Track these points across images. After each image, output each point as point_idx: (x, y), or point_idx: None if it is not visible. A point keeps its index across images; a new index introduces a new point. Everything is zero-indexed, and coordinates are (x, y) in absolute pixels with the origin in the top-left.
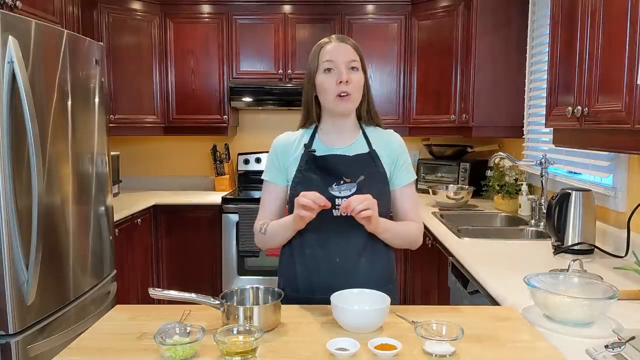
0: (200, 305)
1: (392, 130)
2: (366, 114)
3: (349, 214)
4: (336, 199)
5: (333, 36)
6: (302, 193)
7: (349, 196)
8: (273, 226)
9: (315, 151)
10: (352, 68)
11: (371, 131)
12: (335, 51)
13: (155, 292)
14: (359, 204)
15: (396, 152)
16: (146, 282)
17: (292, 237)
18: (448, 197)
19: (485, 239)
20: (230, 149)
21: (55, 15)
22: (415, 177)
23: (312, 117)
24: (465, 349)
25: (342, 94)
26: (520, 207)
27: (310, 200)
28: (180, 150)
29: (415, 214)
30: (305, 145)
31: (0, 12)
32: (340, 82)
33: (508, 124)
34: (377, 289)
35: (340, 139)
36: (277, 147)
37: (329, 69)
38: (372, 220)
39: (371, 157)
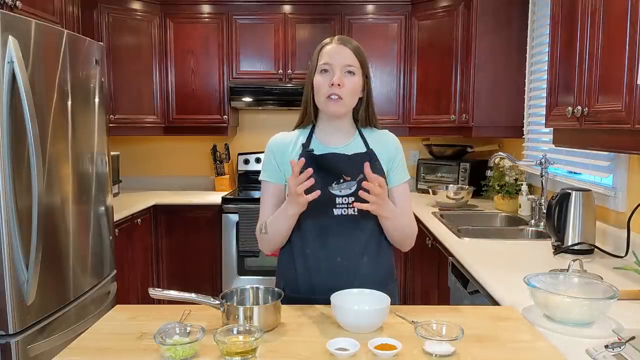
0: (200, 305)
1: (387, 131)
2: (364, 117)
3: (353, 209)
4: (337, 198)
5: (336, 37)
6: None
7: (349, 195)
8: (272, 221)
9: (313, 150)
10: (349, 72)
11: (367, 132)
12: (333, 54)
13: (155, 292)
14: (369, 202)
15: (393, 152)
16: (146, 282)
17: (293, 237)
18: (448, 197)
19: (485, 239)
20: (230, 149)
21: (55, 15)
22: (409, 177)
23: (310, 116)
24: (465, 349)
25: (331, 96)
26: (520, 207)
27: (295, 184)
28: (180, 150)
29: (410, 214)
30: (303, 145)
31: (0, 12)
32: (332, 84)
33: (508, 124)
34: (379, 288)
35: (337, 138)
36: (273, 146)
37: (325, 70)
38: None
39: (369, 156)
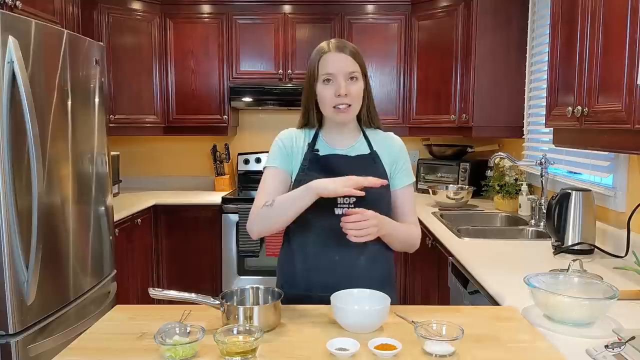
0: (200, 305)
1: (391, 133)
2: (366, 117)
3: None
4: (338, 198)
5: (332, 42)
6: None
7: (351, 196)
8: (282, 198)
9: (318, 151)
10: (352, 78)
11: (371, 133)
12: (335, 63)
13: (155, 292)
14: (357, 229)
15: (397, 154)
16: (146, 282)
17: (293, 234)
18: (448, 197)
19: (485, 239)
20: (230, 149)
21: (55, 15)
22: (414, 180)
23: (312, 121)
24: (465, 349)
25: (339, 106)
26: (520, 207)
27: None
28: (180, 150)
29: (414, 217)
30: (309, 144)
31: (0, 12)
32: (339, 95)
33: (508, 124)
34: (376, 289)
35: (342, 140)
36: (283, 138)
37: (328, 80)
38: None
39: (372, 158)
